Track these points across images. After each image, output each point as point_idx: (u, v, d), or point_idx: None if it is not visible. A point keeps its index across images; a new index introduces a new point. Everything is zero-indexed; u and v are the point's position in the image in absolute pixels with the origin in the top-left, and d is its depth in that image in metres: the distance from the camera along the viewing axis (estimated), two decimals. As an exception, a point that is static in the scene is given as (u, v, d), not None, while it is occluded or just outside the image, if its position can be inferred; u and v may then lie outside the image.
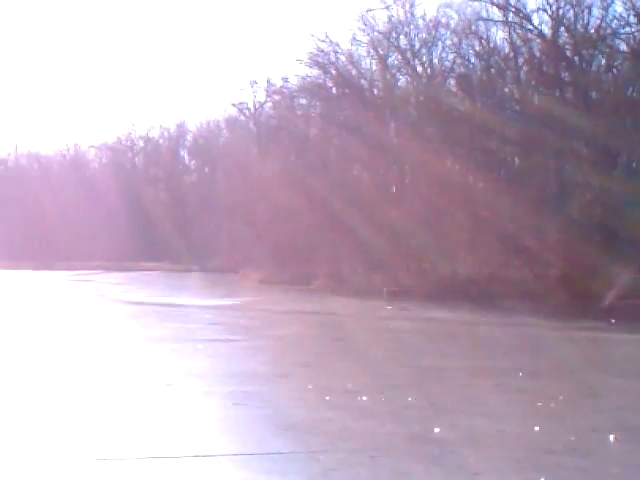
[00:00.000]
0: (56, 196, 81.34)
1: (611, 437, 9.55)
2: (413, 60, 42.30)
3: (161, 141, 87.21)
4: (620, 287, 28.21)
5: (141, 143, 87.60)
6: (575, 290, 30.44)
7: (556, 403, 11.68)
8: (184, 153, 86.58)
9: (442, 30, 41.55)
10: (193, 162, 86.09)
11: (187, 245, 65.88)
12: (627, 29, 36.23)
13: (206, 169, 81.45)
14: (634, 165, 36.31)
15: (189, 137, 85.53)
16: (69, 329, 22.94)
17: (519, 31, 37.74)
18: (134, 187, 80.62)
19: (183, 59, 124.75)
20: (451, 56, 41.72)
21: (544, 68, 37.49)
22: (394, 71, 43.95)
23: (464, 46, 40.58)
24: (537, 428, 9.98)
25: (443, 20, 41.36)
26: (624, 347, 19.61)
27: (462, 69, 41.02)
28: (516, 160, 39.31)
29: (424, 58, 42.24)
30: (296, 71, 47.92)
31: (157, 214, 75.15)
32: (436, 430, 9.90)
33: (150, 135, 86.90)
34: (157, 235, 72.88)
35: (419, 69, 42.40)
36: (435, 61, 42.11)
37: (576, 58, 36.27)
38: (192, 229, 69.41)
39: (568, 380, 14.08)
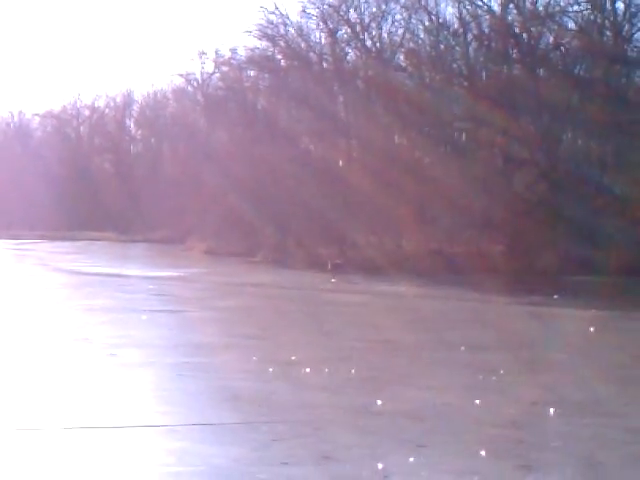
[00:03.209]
0: (0, 164, 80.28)
1: (551, 410, 9.65)
2: (362, 34, 42.22)
3: (107, 111, 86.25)
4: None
5: (87, 112, 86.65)
6: (520, 265, 30.77)
7: (497, 377, 11.77)
8: (130, 123, 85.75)
9: (392, 4, 41.55)
10: (139, 132, 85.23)
11: (133, 215, 65.47)
12: (576, 7, 36.63)
13: (152, 140, 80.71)
14: (579, 142, 36.71)
15: (136, 107, 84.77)
16: (5, 299, 22.66)
17: (468, 7, 37.94)
18: (79, 157, 79.87)
19: (130, 28, 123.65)
20: (400, 31, 41.76)
21: (492, 44, 37.67)
22: (343, 45, 43.85)
23: (413, 21, 40.69)
24: (478, 401, 10.06)
25: (393, -6, 41.32)
26: (566, 322, 19.81)
27: (411, 44, 41.06)
28: (463, 135, 39.53)
29: (373, 32, 42.20)
30: (245, 42, 47.66)
31: (103, 184, 74.56)
32: (379, 402, 9.93)
33: (96, 104, 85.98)
34: (103, 205, 72.34)
35: (368, 43, 42.35)
36: (384, 36, 42.12)
37: (524, 35, 36.47)
38: (138, 199, 68.88)
39: (510, 354, 14.19)
